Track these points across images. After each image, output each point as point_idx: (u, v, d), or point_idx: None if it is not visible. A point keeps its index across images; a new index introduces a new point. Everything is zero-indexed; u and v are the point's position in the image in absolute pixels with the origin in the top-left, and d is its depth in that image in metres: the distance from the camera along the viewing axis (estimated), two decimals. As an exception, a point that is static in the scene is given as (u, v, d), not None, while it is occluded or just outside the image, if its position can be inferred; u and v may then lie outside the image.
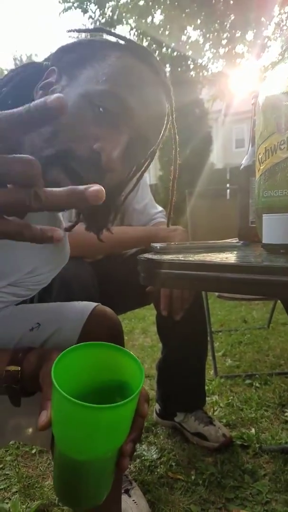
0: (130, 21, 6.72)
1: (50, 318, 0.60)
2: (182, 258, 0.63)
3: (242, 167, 0.89)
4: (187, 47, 6.71)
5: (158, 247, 0.81)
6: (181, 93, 6.31)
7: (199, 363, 1.38)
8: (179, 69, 6.93)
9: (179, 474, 1.19)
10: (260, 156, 0.70)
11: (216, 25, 6.35)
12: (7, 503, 1.10)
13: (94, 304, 0.62)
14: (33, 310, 0.65)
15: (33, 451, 1.36)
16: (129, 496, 1.04)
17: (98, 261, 1.31)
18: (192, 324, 1.30)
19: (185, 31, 6.54)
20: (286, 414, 1.48)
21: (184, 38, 6.65)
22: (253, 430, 1.36)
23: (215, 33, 6.45)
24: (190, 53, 6.74)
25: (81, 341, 0.57)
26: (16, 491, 1.15)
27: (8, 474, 1.24)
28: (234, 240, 0.91)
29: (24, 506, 1.08)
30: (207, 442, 1.30)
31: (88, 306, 0.62)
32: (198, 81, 7.05)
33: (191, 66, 7.00)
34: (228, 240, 0.95)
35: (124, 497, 1.03)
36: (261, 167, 0.69)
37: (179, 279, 0.61)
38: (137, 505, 1.01)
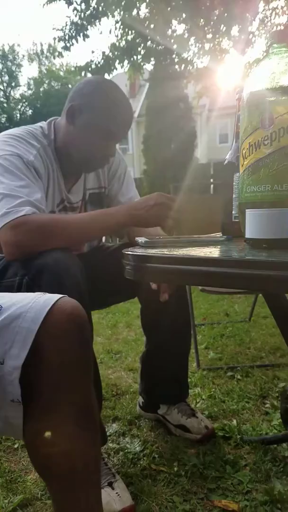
0: (115, 13, 6.64)
1: (12, 303, 0.60)
2: (167, 253, 0.63)
3: (226, 162, 0.90)
4: (172, 41, 6.68)
5: (143, 242, 0.82)
6: (166, 87, 6.30)
7: (183, 356, 1.40)
8: (164, 63, 6.90)
9: (162, 466, 1.20)
10: (244, 152, 0.70)
11: (201, 19, 6.33)
12: (-11, 497, 1.09)
13: (58, 296, 0.62)
14: None
15: (16, 446, 1.35)
16: (113, 488, 1.04)
17: (83, 254, 1.30)
18: (175, 317, 1.31)
19: (171, 25, 6.50)
20: (267, 405, 1.51)
21: (169, 32, 6.62)
22: (234, 422, 1.39)
23: (200, 28, 6.43)
24: (175, 47, 6.71)
25: (42, 332, 0.56)
26: (-1, 486, 1.15)
27: (-10, 468, 1.24)
28: (218, 235, 0.92)
29: (6, 501, 1.08)
30: (189, 434, 1.32)
31: (52, 297, 0.61)
32: (183, 76, 7.04)
33: (176, 60, 6.97)
34: (212, 235, 0.95)
35: (107, 489, 1.03)
36: (244, 162, 0.70)
37: (164, 273, 0.61)
38: (120, 497, 1.02)
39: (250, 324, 2.58)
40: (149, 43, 6.58)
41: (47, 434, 0.59)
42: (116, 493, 1.03)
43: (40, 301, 0.60)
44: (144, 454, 1.26)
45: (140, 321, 1.45)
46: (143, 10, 6.44)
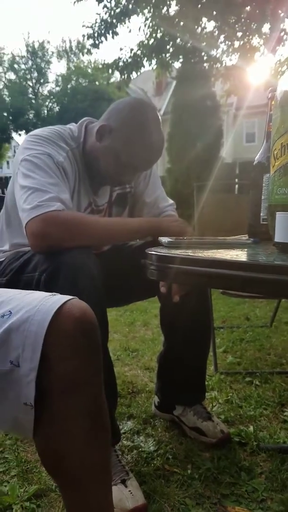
0: (145, 11, 6.62)
1: (21, 307, 0.60)
2: (192, 254, 0.62)
3: (255, 162, 0.88)
4: (201, 38, 6.61)
5: (166, 242, 0.81)
6: (193, 85, 6.24)
7: (200, 358, 1.38)
8: (192, 61, 6.84)
9: (175, 467, 1.19)
10: (275, 152, 0.68)
11: (232, 16, 6.25)
12: (5, 486, 1.11)
13: (66, 298, 0.61)
14: (5, 295, 0.64)
15: (32, 438, 1.36)
16: (125, 486, 1.04)
17: (104, 253, 1.30)
18: (195, 319, 1.30)
19: (200, 23, 6.44)
20: (285, 413, 1.47)
21: (198, 30, 6.55)
22: (251, 428, 1.36)
23: (231, 25, 6.34)
24: (204, 44, 6.64)
25: (48, 337, 0.56)
26: (15, 475, 1.16)
27: (7, 458, 1.26)
28: (244, 237, 0.90)
29: (21, 490, 1.09)
30: (204, 437, 1.30)
31: (59, 300, 0.60)
32: (211, 73, 6.96)
33: (205, 58, 6.90)
34: (238, 237, 0.94)
35: (120, 486, 1.03)
36: (276, 163, 0.68)
37: (188, 275, 0.60)
38: (133, 495, 1.02)
39: (271, 330, 2.53)
40: (178, 40, 6.53)
41: (56, 437, 0.59)
42: (129, 491, 1.03)
43: (47, 304, 0.59)
44: (158, 454, 1.25)
45: (158, 320, 1.44)
46: (173, 8, 6.39)
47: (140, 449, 1.28)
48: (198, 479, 1.13)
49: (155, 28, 6.70)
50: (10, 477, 1.17)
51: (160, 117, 1.14)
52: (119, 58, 6.98)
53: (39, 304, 0.59)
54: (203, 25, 6.52)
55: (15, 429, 0.60)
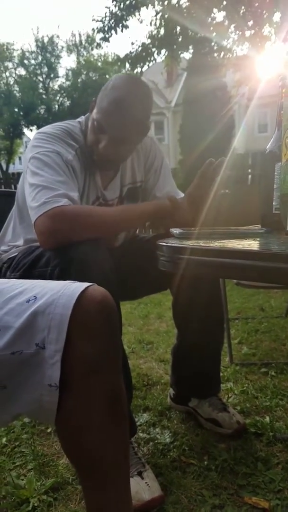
0: (155, 3, 6.55)
1: (45, 292, 0.61)
2: (203, 244, 0.62)
3: (267, 151, 0.86)
4: (211, 28, 6.51)
5: (177, 233, 0.80)
6: (204, 76, 6.17)
7: (215, 350, 1.38)
8: (202, 51, 6.75)
9: (191, 458, 1.19)
10: (287, 141, 0.67)
11: (243, 6, 6.14)
12: (22, 479, 1.13)
13: (88, 284, 0.63)
14: (28, 283, 0.66)
15: (49, 430, 1.38)
16: (142, 478, 1.05)
17: (117, 246, 1.30)
18: (208, 310, 1.29)
19: (211, 13, 6.34)
20: (302, 404, 1.46)
21: (209, 20, 6.46)
22: (267, 419, 1.36)
23: (241, 14, 6.24)
24: (214, 35, 6.54)
25: (72, 319, 0.57)
26: (32, 469, 1.18)
27: (24, 451, 1.27)
28: (256, 227, 0.89)
29: (38, 483, 1.11)
30: (220, 428, 1.30)
31: (82, 285, 0.62)
32: (222, 64, 6.86)
33: (215, 48, 6.80)
34: (251, 227, 0.92)
35: (136, 479, 1.04)
36: (287, 152, 0.67)
37: (199, 266, 0.60)
38: (149, 487, 1.02)
39: (287, 320, 2.51)
40: (188, 31, 6.46)
41: (77, 419, 0.60)
42: (146, 482, 1.03)
43: (70, 288, 0.61)
44: (174, 446, 1.25)
45: (172, 313, 1.44)
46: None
47: (156, 441, 1.28)
48: (215, 470, 1.13)
49: (163, 20, 6.63)
50: (27, 470, 1.18)
51: (149, 94, 1.12)
52: (131, 52, 6.94)
53: (62, 288, 0.61)
54: (213, 15, 6.43)
55: (38, 413, 0.61)
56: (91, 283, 0.64)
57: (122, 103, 1.06)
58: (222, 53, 6.84)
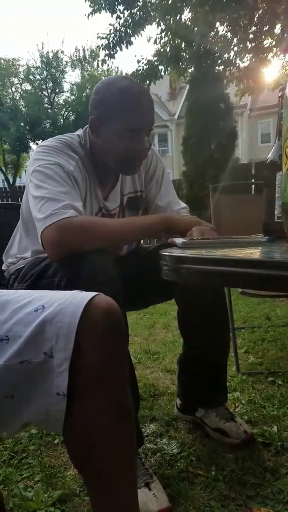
0: (160, 21, 6.67)
1: (53, 301, 0.62)
2: (205, 254, 0.63)
3: (268, 161, 0.88)
4: (214, 42, 6.61)
5: (180, 242, 0.81)
6: (206, 88, 6.23)
7: (221, 360, 1.37)
8: (204, 64, 6.84)
9: (199, 469, 1.19)
10: (287, 150, 0.68)
11: (244, 19, 6.23)
12: (30, 491, 1.13)
13: (95, 293, 0.64)
14: (35, 293, 0.67)
15: (56, 441, 1.38)
16: (149, 489, 1.04)
17: (121, 257, 1.32)
18: (214, 320, 1.30)
19: (214, 27, 6.45)
20: (310, 413, 1.45)
21: (212, 34, 6.56)
22: (275, 428, 1.35)
23: (243, 27, 6.33)
24: (216, 48, 6.63)
25: (80, 327, 0.58)
26: (39, 480, 1.18)
27: (31, 463, 1.27)
28: (259, 236, 0.90)
29: (46, 495, 1.10)
30: (228, 439, 1.29)
31: (88, 294, 0.64)
32: (224, 76, 6.94)
33: (218, 61, 6.89)
34: (253, 236, 0.93)
35: (144, 490, 1.04)
36: None
37: (201, 275, 0.60)
38: (157, 498, 1.02)
39: (293, 329, 2.50)
40: (194, 46, 6.56)
41: (84, 426, 0.61)
42: (153, 494, 1.03)
43: (77, 297, 0.62)
44: (182, 456, 1.25)
45: (177, 322, 1.44)
46: (186, 15, 6.44)
47: (163, 452, 1.28)
48: (223, 480, 1.12)
49: (170, 36, 6.75)
50: (34, 482, 1.18)
51: (128, 80, 1.15)
52: (137, 70, 7.04)
53: (70, 298, 0.62)
54: (216, 29, 6.53)
55: (46, 422, 0.62)
56: (97, 293, 0.65)
57: (138, 96, 1.11)
58: (225, 66, 6.93)
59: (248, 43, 6.58)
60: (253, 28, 6.39)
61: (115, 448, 0.63)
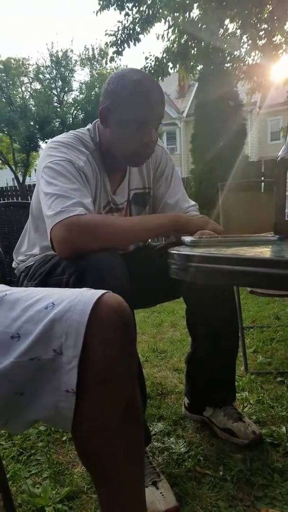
0: (168, 18, 6.64)
1: (63, 299, 0.62)
2: (214, 252, 0.62)
3: (278, 158, 0.87)
4: (224, 39, 6.56)
5: (189, 241, 0.81)
6: (216, 86, 6.19)
7: (229, 359, 1.37)
8: (215, 61, 6.80)
9: (207, 469, 1.18)
10: (297, 147, 0.67)
11: (254, 17, 6.18)
12: (38, 488, 1.13)
13: (104, 291, 0.64)
14: (45, 291, 0.67)
15: (64, 438, 1.39)
16: (157, 488, 1.04)
17: (129, 253, 1.31)
18: (223, 318, 1.29)
19: (223, 24, 6.40)
20: None
21: (221, 31, 6.51)
22: (283, 429, 1.34)
23: (252, 25, 6.27)
24: (226, 46, 6.59)
25: (89, 325, 0.58)
26: (47, 477, 1.19)
27: (39, 459, 1.28)
28: (269, 234, 0.89)
29: (54, 492, 1.11)
30: (236, 439, 1.28)
31: (97, 292, 0.64)
32: (234, 73, 6.89)
33: (228, 59, 6.84)
34: (263, 234, 0.92)
35: (151, 489, 1.03)
36: (298, 159, 0.67)
37: (210, 273, 0.60)
38: (164, 497, 1.02)
39: (302, 329, 2.47)
40: (202, 43, 6.52)
41: (93, 425, 0.61)
42: (160, 493, 1.03)
43: (87, 295, 0.62)
44: (189, 456, 1.24)
45: (185, 321, 1.44)
46: (195, 12, 6.40)
47: (171, 451, 1.28)
48: (231, 481, 1.12)
49: (178, 33, 6.71)
50: (43, 479, 1.19)
51: (142, 74, 1.15)
52: (145, 67, 7.02)
53: (79, 295, 0.62)
54: (225, 26, 6.48)
55: (55, 419, 0.62)
56: (106, 290, 0.65)
57: (151, 89, 1.11)
58: (234, 63, 6.88)
59: (258, 40, 6.52)
60: (264, 25, 6.33)
61: (123, 446, 0.63)
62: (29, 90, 21.91)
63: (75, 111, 21.57)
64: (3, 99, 19.40)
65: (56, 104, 21.49)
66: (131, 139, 1.14)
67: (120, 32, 6.88)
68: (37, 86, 21.87)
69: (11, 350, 0.59)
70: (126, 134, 1.13)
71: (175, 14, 6.43)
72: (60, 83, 21.83)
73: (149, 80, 1.13)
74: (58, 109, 21.11)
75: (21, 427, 0.66)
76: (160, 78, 7.05)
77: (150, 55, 7.03)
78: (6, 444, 1.38)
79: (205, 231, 1.10)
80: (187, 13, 6.44)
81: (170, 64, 7.03)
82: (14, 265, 1.31)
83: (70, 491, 1.11)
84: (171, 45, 6.91)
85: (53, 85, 21.86)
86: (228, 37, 6.54)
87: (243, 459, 1.21)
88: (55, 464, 1.24)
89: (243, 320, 2.07)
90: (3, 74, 20.14)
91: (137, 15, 6.72)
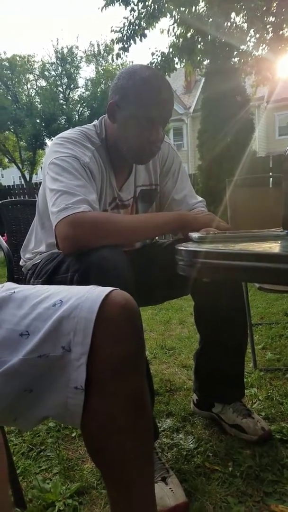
0: (174, 13, 6.59)
1: (70, 296, 0.62)
2: (222, 248, 0.62)
3: (286, 153, 0.86)
4: (231, 33, 6.50)
5: (196, 237, 0.80)
6: (222, 81, 6.15)
7: (238, 355, 1.36)
8: (221, 56, 6.74)
9: (216, 465, 1.18)
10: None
11: (261, 9, 6.12)
12: (48, 483, 1.14)
13: (111, 288, 0.64)
14: (52, 288, 0.67)
15: (73, 434, 1.40)
16: (166, 484, 1.04)
17: (137, 250, 1.31)
18: (230, 315, 1.28)
19: (230, 18, 6.34)
20: None
21: (227, 24, 6.45)
22: (293, 425, 1.33)
23: (259, 18, 6.21)
24: (233, 40, 6.52)
25: (97, 322, 0.58)
26: (57, 473, 1.19)
27: (49, 455, 1.29)
28: (278, 230, 0.88)
29: (64, 487, 1.12)
30: (245, 435, 1.28)
31: (105, 289, 0.64)
32: (241, 68, 6.83)
33: (234, 53, 6.78)
34: (272, 229, 0.92)
35: (161, 484, 1.04)
36: (307, 153, 0.66)
37: (218, 269, 0.60)
38: (173, 493, 1.02)
39: (311, 325, 2.46)
40: (209, 37, 6.47)
41: (101, 422, 0.61)
42: (170, 488, 1.03)
43: (94, 292, 0.63)
44: (198, 452, 1.24)
45: (193, 318, 1.43)
46: (201, 6, 6.34)
47: (180, 447, 1.28)
48: (240, 476, 1.12)
49: (184, 28, 6.66)
50: (53, 474, 1.20)
51: (152, 71, 1.14)
52: (151, 63, 6.99)
53: (87, 293, 0.63)
54: (232, 20, 6.42)
55: (64, 416, 0.62)
56: (114, 288, 0.65)
57: (160, 87, 1.11)
58: (241, 58, 6.82)
59: (265, 33, 6.45)
60: (271, 18, 6.26)
61: (132, 442, 0.63)
62: (35, 87, 21.91)
63: (81, 108, 21.54)
64: (9, 97, 19.41)
65: (62, 101, 21.46)
66: (137, 136, 1.13)
67: (126, 28, 6.84)
68: (43, 83, 21.85)
69: (20, 347, 0.59)
70: (133, 131, 1.13)
71: (181, 8, 6.38)
72: (65, 80, 21.78)
73: (159, 79, 1.12)
74: (64, 106, 21.09)
75: (31, 424, 0.66)
76: (166, 73, 7.02)
77: (157, 51, 7.00)
78: (16, 440, 1.40)
79: (210, 229, 1.09)
80: (193, 7, 6.39)
81: (176, 59, 6.99)
82: (21, 263, 1.32)
83: (80, 487, 1.11)
84: (177, 40, 6.87)
85: (58, 82, 21.82)
86: (234, 31, 6.48)
87: (252, 455, 1.21)
88: (65, 460, 1.25)
89: (251, 316, 2.06)
90: (8, 72, 20.14)
91: (142, 10, 6.67)
